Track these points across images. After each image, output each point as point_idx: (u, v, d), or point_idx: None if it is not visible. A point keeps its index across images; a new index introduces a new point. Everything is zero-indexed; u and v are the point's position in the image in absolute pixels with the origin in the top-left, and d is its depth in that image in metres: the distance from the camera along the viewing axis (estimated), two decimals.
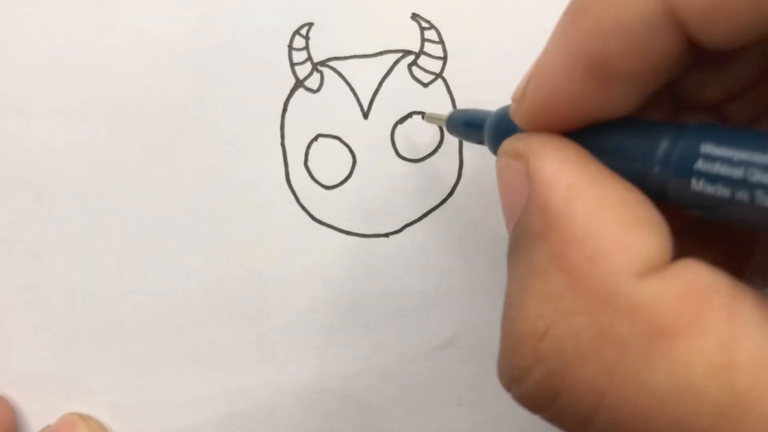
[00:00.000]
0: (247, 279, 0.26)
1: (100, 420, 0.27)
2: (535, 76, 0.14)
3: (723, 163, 0.11)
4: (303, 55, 0.25)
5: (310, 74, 0.25)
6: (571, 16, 0.13)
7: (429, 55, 0.25)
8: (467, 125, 0.21)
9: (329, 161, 0.26)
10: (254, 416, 0.27)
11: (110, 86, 0.25)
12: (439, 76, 0.25)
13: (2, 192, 0.25)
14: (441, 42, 0.25)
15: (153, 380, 0.26)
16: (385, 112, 0.25)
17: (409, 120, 0.25)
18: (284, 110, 0.25)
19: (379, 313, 0.26)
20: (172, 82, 0.25)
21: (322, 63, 0.25)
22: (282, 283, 0.26)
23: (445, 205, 0.26)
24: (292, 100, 0.25)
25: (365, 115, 0.25)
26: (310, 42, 0.25)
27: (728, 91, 0.15)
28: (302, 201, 0.26)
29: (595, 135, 0.14)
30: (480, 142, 0.19)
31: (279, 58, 0.25)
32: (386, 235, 0.26)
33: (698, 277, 0.11)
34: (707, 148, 0.11)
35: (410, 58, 0.25)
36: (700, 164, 0.11)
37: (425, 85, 0.25)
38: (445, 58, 0.25)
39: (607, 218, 0.12)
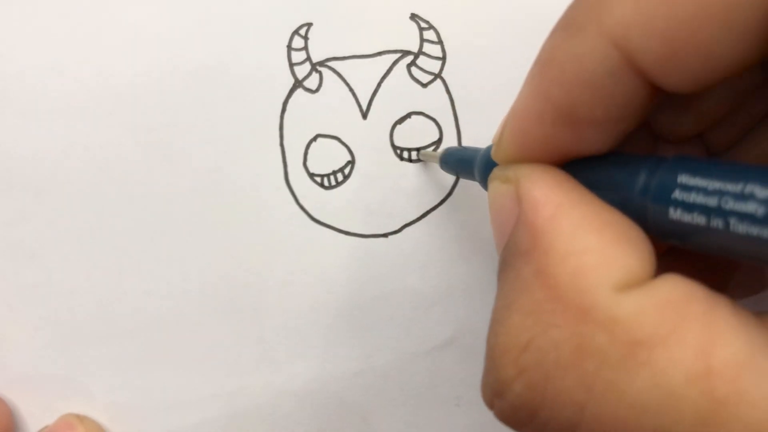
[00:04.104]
0: (246, 279, 0.26)
1: (98, 420, 0.26)
2: (509, 121, 0.15)
3: (698, 193, 0.12)
4: (302, 55, 0.25)
5: (309, 74, 0.25)
6: (540, 65, 0.14)
7: (428, 56, 0.25)
8: (459, 164, 0.22)
9: (328, 161, 0.26)
10: (254, 416, 0.27)
11: (110, 86, 0.25)
12: (438, 76, 0.25)
13: (2, 192, 0.25)
14: (440, 42, 0.25)
15: (152, 380, 0.26)
16: (384, 112, 0.26)
17: (408, 120, 0.25)
18: (283, 110, 0.25)
19: (378, 314, 0.26)
20: (171, 82, 0.25)
21: (321, 63, 0.25)
22: (281, 284, 0.26)
23: (444, 205, 0.26)
24: (291, 101, 0.25)
25: (364, 116, 0.26)
26: (309, 42, 0.25)
27: (702, 124, 0.16)
28: (301, 201, 0.26)
29: (576, 168, 0.14)
30: (473, 178, 0.20)
31: (278, 58, 0.25)
32: (385, 235, 0.26)
33: (675, 289, 0.11)
34: (683, 178, 0.12)
35: (409, 59, 0.25)
36: (677, 194, 0.12)
37: (424, 85, 0.25)
38: (444, 59, 0.25)
39: (589, 236, 0.12)
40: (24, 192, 0.25)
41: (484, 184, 0.17)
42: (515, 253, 0.13)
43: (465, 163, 0.21)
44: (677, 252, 0.17)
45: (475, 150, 0.20)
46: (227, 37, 0.25)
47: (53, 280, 0.26)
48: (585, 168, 0.14)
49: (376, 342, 0.26)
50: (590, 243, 0.12)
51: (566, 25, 0.13)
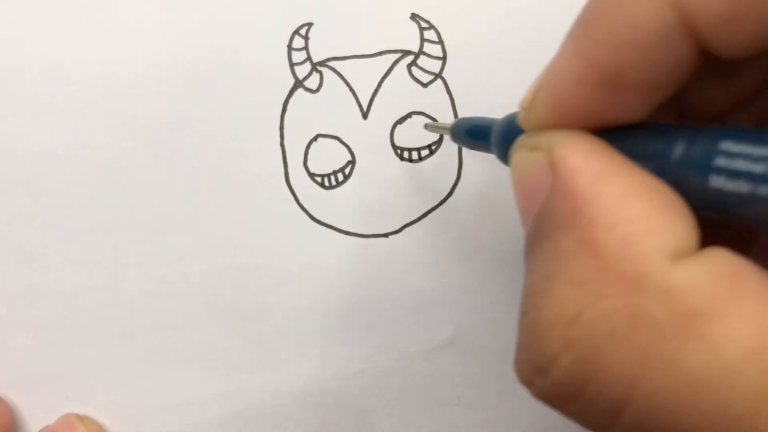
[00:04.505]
0: (246, 279, 0.26)
1: (98, 420, 0.26)
2: (546, 83, 0.14)
3: (744, 159, 0.11)
4: (302, 55, 0.25)
5: (310, 74, 0.25)
6: (584, 25, 0.13)
7: (428, 55, 0.25)
8: (472, 134, 0.20)
9: (329, 161, 0.26)
10: (254, 416, 0.27)
11: (110, 86, 0.25)
12: (438, 76, 0.25)
13: (2, 192, 0.25)
14: (440, 42, 0.25)
15: (152, 380, 0.26)
16: (385, 112, 0.25)
17: (409, 120, 0.25)
18: (284, 110, 0.25)
19: (378, 313, 0.26)
20: (171, 82, 0.25)
21: (322, 63, 0.25)
22: (281, 284, 0.26)
23: (444, 205, 0.26)
24: (291, 101, 0.25)
25: (365, 116, 0.26)
26: (310, 42, 0.25)
27: (733, 100, 0.15)
28: (301, 201, 0.26)
29: (610, 136, 0.14)
30: (487, 150, 0.19)
31: (278, 58, 0.25)
32: (385, 235, 0.26)
33: (729, 262, 0.11)
34: (726, 145, 0.12)
35: (410, 59, 0.25)
36: (720, 161, 0.12)
37: (425, 85, 0.25)
38: (444, 58, 0.25)
39: (636, 204, 0.12)
40: (24, 192, 0.25)
41: (502, 154, 0.17)
42: (552, 224, 0.13)
43: (479, 133, 0.20)
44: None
45: (491, 120, 0.19)
46: (228, 36, 0.25)
47: (53, 280, 0.26)
48: (618, 136, 0.14)
49: (376, 342, 0.26)
50: (638, 210, 0.12)
51: None
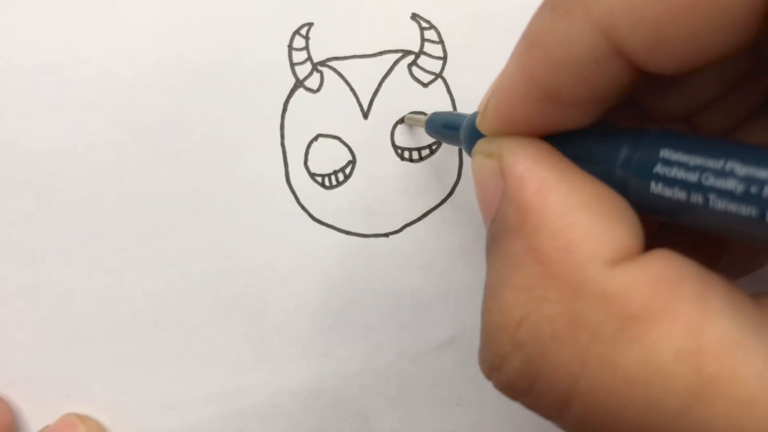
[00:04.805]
0: (247, 279, 0.26)
1: (99, 420, 0.26)
2: (494, 94, 0.15)
3: (680, 168, 0.12)
4: (303, 55, 0.25)
5: (310, 74, 0.25)
6: (525, 44, 0.14)
7: (429, 55, 0.25)
8: (445, 128, 0.21)
9: (329, 161, 0.26)
10: (254, 416, 0.27)
11: (110, 86, 0.25)
12: (438, 76, 0.25)
13: (2, 192, 0.25)
14: (441, 42, 0.25)
15: (153, 380, 0.26)
16: (385, 112, 0.25)
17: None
18: (284, 110, 0.25)
19: (378, 313, 0.26)
20: (172, 81, 0.25)
21: (322, 63, 0.25)
22: (282, 283, 0.26)
23: (445, 205, 0.26)
24: (292, 100, 0.25)
25: (365, 115, 0.26)
26: (310, 42, 0.25)
27: (690, 106, 0.16)
28: (302, 201, 0.26)
29: (559, 140, 0.14)
30: (457, 144, 0.19)
31: (279, 58, 0.25)
32: (386, 234, 0.26)
33: (669, 265, 0.12)
34: (666, 152, 0.12)
35: (410, 58, 0.25)
36: (659, 168, 0.12)
37: (425, 85, 0.25)
38: (444, 58, 0.25)
39: (578, 210, 0.12)
40: (24, 192, 0.25)
41: (469, 149, 0.17)
42: (503, 230, 0.13)
43: (450, 129, 0.21)
44: (668, 228, 0.17)
45: (462, 116, 0.20)
46: (228, 36, 0.25)
47: (53, 280, 0.26)
48: (567, 140, 0.14)
49: (377, 342, 0.26)
50: (579, 218, 0.12)
51: (554, 5, 0.13)
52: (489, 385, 0.28)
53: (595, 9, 0.12)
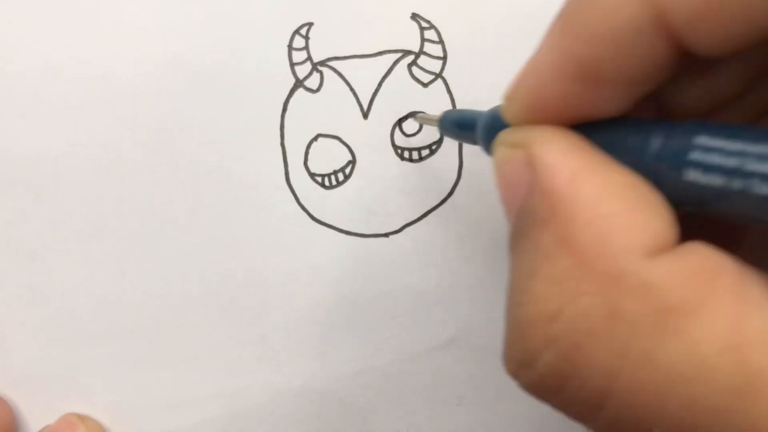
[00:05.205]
0: (247, 279, 0.26)
1: (99, 420, 0.26)
2: (526, 75, 0.14)
3: (718, 154, 0.11)
4: (303, 55, 0.25)
5: (310, 74, 0.25)
6: (562, 20, 0.13)
7: (429, 55, 0.25)
8: (459, 126, 0.21)
9: (329, 161, 0.26)
10: (254, 416, 0.27)
11: (110, 86, 0.25)
12: (438, 76, 0.25)
13: (2, 192, 0.25)
14: (441, 42, 0.25)
15: (152, 380, 0.26)
16: (385, 112, 0.25)
17: (409, 120, 0.25)
18: (284, 110, 0.25)
19: (379, 313, 0.26)
20: (172, 81, 0.25)
21: (322, 63, 0.25)
22: (282, 283, 0.26)
23: (445, 205, 0.26)
24: (291, 100, 0.25)
25: (365, 115, 0.26)
26: (310, 42, 0.25)
27: (713, 101, 0.15)
28: (302, 201, 0.26)
29: (588, 130, 0.14)
30: (473, 141, 0.19)
31: (279, 58, 0.25)
32: (386, 234, 0.26)
33: (706, 258, 0.11)
34: (702, 139, 0.12)
35: (410, 58, 0.25)
36: (695, 155, 0.12)
37: (425, 85, 0.25)
38: (444, 58, 0.25)
39: (613, 201, 0.12)
40: (24, 192, 0.25)
41: (486, 147, 0.17)
42: (532, 222, 0.13)
43: (465, 126, 0.20)
44: (681, 223, 0.17)
45: (477, 112, 0.19)
46: (228, 36, 0.25)
47: (53, 280, 0.26)
48: (596, 131, 0.14)
49: (377, 342, 0.26)
50: (614, 208, 0.12)
51: None
52: (489, 385, 0.28)
53: None
